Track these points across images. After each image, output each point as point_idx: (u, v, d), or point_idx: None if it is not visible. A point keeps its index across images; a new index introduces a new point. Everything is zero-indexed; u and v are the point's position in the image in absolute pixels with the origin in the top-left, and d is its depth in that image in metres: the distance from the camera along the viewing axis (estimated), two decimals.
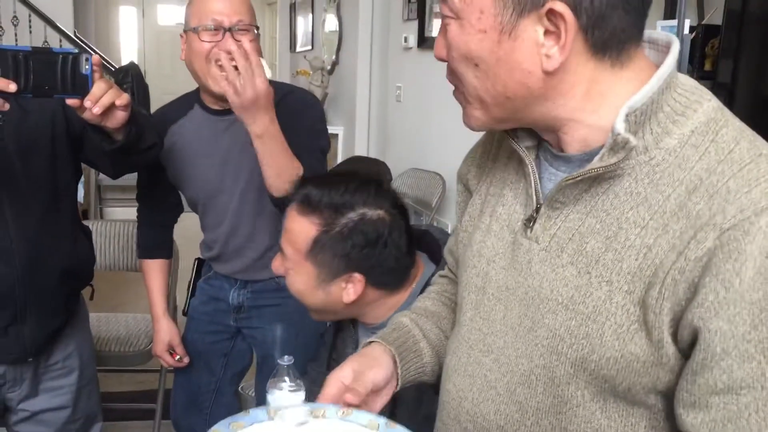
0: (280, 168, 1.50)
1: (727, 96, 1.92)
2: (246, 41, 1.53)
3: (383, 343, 0.98)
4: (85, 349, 1.68)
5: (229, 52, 1.44)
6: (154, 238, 1.88)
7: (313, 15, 6.69)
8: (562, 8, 0.67)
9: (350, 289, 1.24)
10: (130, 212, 5.24)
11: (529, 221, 0.80)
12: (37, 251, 1.46)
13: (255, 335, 1.87)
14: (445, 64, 0.78)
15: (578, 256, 0.74)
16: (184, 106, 1.74)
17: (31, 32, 4.75)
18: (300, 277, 1.26)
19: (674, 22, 1.94)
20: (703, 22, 2.12)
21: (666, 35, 0.76)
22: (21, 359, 1.52)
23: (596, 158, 0.72)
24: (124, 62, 7.41)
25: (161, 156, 1.66)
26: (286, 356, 1.18)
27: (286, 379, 1.14)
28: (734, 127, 0.71)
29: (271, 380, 1.15)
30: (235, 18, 1.56)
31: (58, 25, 4.79)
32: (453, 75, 0.78)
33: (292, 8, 7.63)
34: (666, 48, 0.75)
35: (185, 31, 1.62)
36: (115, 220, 3.43)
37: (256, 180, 1.60)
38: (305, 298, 1.29)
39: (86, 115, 1.24)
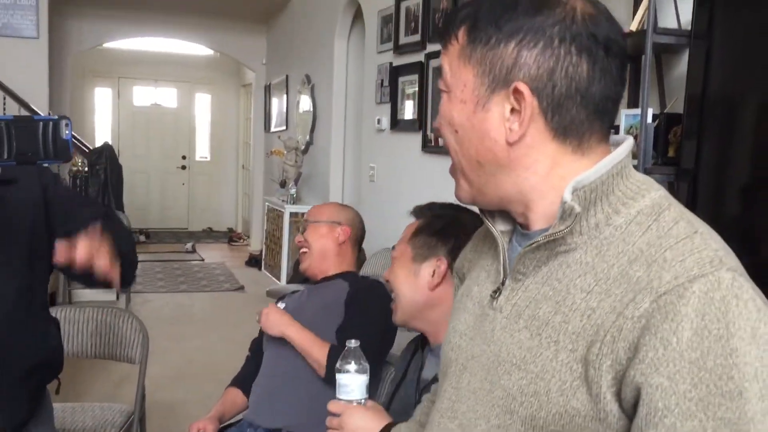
0: (309, 358, 1.91)
1: (691, 181, 1.97)
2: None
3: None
4: None
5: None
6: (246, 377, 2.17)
7: (287, 96, 6.83)
8: (523, 89, 0.79)
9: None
10: (99, 294, 5.16)
11: (496, 293, 0.88)
12: (3, 342, 1.41)
13: None
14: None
15: (532, 320, 0.81)
16: None
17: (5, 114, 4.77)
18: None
19: (638, 111, 2.01)
20: (666, 111, 2.20)
21: (625, 137, 0.86)
22: None
23: (550, 228, 0.80)
24: (99, 141, 7.46)
25: None
26: (353, 339, 1.24)
27: (352, 361, 1.20)
28: (676, 210, 0.79)
29: (339, 362, 1.22)
30: None
31: (32, 107, 4.82)
32: (446, 145, 0.89)
33: (267, 90, 7.79)
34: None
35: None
36: (84, 304, 3.32)
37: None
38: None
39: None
